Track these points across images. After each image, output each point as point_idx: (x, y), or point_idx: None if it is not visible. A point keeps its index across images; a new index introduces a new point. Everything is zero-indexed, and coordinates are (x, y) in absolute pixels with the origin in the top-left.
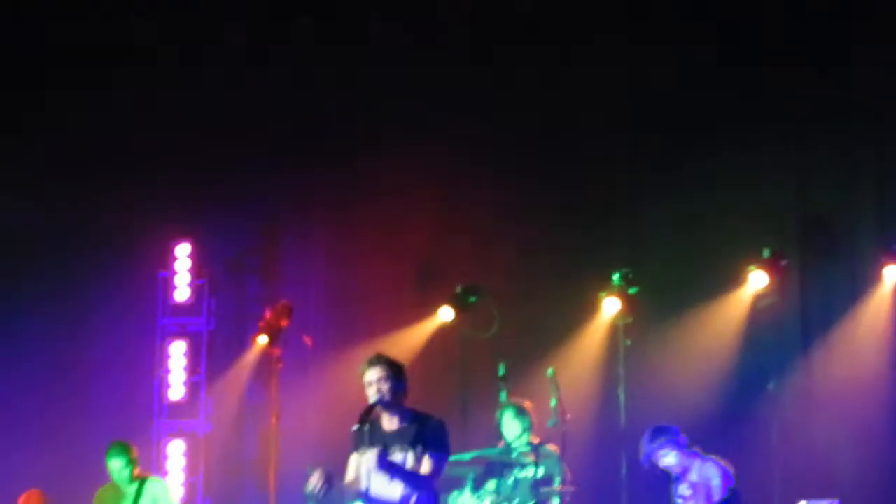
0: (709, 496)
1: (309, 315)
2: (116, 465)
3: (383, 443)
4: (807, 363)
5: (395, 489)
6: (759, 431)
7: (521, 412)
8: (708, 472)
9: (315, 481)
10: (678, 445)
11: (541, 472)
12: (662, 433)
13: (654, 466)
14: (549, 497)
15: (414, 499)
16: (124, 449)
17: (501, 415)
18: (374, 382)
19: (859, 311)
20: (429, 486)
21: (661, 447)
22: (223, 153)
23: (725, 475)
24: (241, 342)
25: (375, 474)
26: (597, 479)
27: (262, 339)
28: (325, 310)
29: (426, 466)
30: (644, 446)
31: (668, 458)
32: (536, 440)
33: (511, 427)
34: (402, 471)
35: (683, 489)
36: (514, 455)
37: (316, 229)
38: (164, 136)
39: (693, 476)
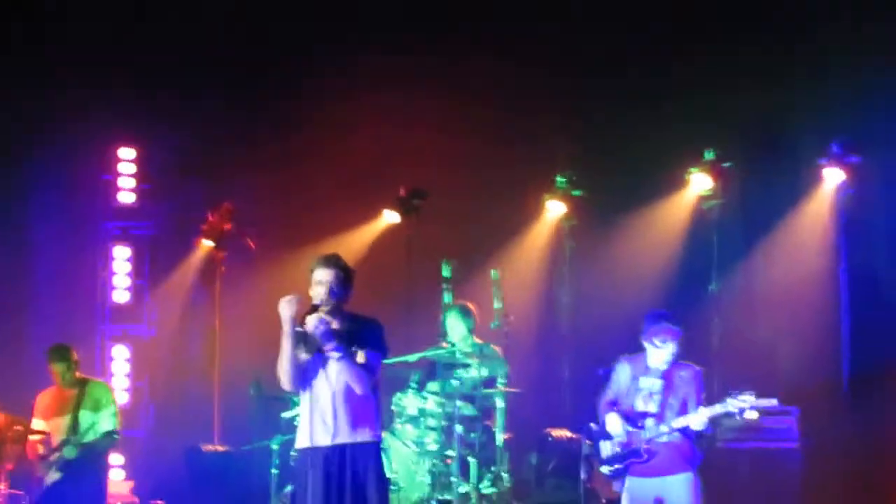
0: (685, 401)
1: (252, 218)
2: (58, 369)
3: (329, 342)
4: (748, 264)
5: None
6: (701, 333)
7: (465, 313)
8: (688, 375)
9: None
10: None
11: (484, 372)
12: (670, 318)
13: (609, 370)
14: (492, 397)
15: (358, 387)
16: (66, 351)
17: (446, 316)
18: (323, 282)
19: (800, 213)
20: (364, 380)
21: (667, 331)
22: (168, 59)
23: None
24: (185, 246)
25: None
26: (539, 380)
27: (206, 243)
28: (268, 213)
29: (378, 371)
30: (653, 325)
31: (669, 347)
32: (480, 341)
33: (456, 328)
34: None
35: (654, 384)
36: (457, 356)
37: (260, 132)
38: (112, 41)
39: (680, 372)
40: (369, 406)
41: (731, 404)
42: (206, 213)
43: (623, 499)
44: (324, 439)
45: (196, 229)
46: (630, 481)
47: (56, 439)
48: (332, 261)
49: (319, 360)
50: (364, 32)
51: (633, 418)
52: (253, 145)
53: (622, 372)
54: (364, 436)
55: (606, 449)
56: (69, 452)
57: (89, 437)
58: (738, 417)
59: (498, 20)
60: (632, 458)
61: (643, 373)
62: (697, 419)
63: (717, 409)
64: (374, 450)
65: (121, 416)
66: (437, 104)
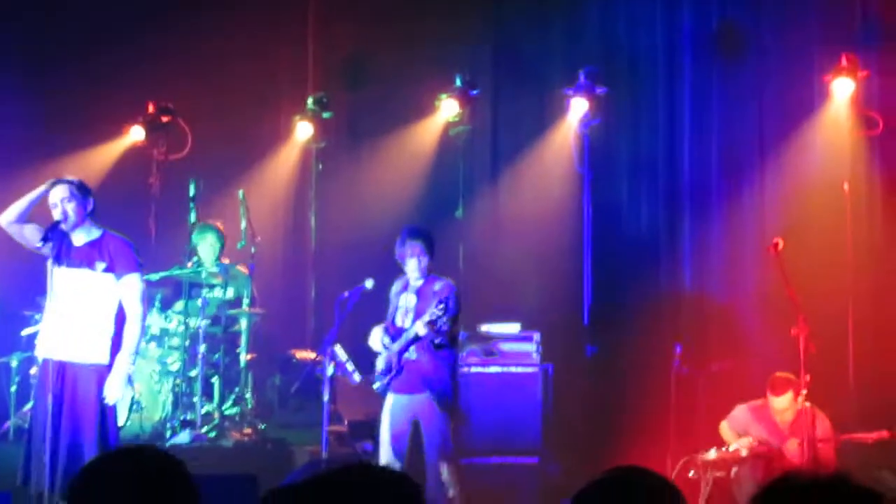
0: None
1: None
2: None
3: (71, 259)
4: (494, 191)
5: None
6: (447, 257)
7: (218, 233)
8: (439, 287)
9: None
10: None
11: (230, 292)
12: (421, 234)
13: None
14: (236, 318)
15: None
16: None
17: (199, 235)
18: (57, 203)
19: (546, 141)
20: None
21: (414, 247)
22: None
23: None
24: None
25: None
26: (285, 301)
27: None
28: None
29: (129, 290)
30: (409, 240)
31: (411, 263)
32: (226, 261)
33: (205, 248)
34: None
35: (410, 300)
36: (203, 276)
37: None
38: None
39: (433, 287)
40: (105, 326)
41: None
42: None
43: (383, 414)
44: (52, 353)
45: None
46: (389, 397)
47: None
48: (58, 181)
49: (61, 268)
50: None
51: (394, 335)
52: None
53: (392, 289)
54: (91, 357)
55: (378, 364)
56: None
57: None
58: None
59: None
60: (389, 374)
61: (404, 290)
62: (418, 326)
63: (434, 311)
64: (100, 373)
65: None
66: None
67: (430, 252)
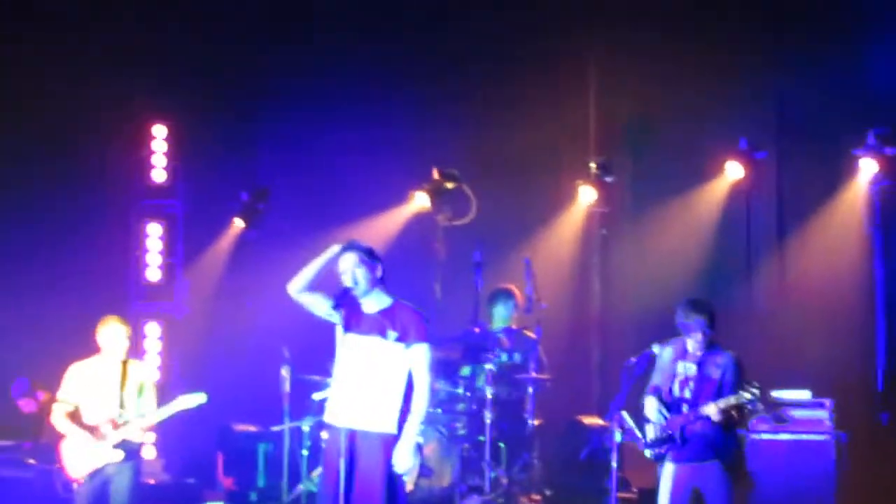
0: (719, 388)
1: (285, 199)
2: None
3: (362, 326)
4: (781, 253)
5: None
6: (734, 322)
7: (509, 298)
8: (723, 361)
9: None
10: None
11: (516, 358)
12: (704, 308)
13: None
14: (523, 383)
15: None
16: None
17: (493, 300)
18: (347, 269)
19: (834, 203)
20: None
21: (698, 322)
22: (202, 36)
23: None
24: (218, 224)
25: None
26: (570, 367)
27: (239, 223)
28: (301, 194)
29: (418, 360)
30: (691, 314)
31: (695, 336)
32: (514, 326)
33: (502, 312)
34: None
35: (690, 369)
36: (491, 341)
37: (293, 112)
38: (145, 19)
39: (716, 359)
40: (395, 395)
41: (742, 395)
42: (239, 192)
43: (662, 483)
44: (342, 421)
45: (229, 208)
46: (668, 466)
47: (102, 417)
48: (348, 247)
49: (352, 336)
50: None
51: (671, 403)
52: (289, 124)
53: (665, 354)
54: (381, 426)
55: (649, 432)
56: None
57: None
58: (755, 407)
59: None
60: (669, 444)
61: (682, 357)
62: (712, 409)
63: (731, 400)
64: (388, 442)
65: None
66: (462, 89)
67: (711, 325)
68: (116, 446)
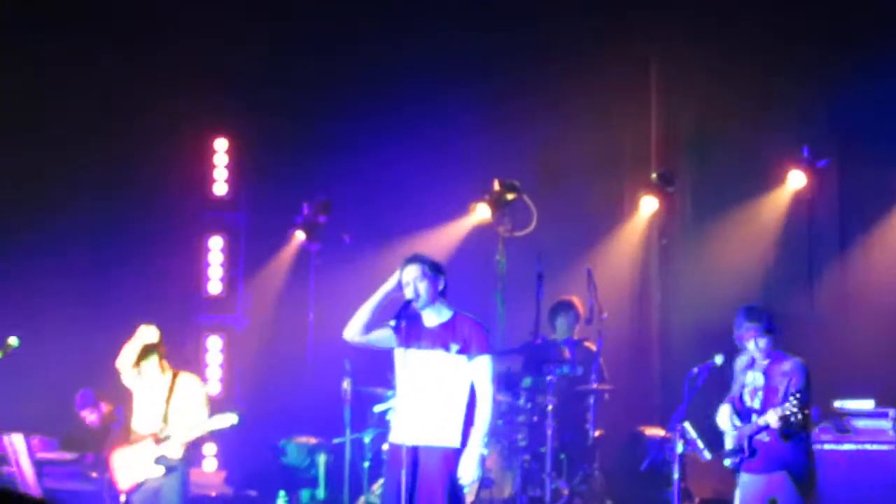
0: (786, 396)
1: (346, 210)
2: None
3: (423, 340)
4: (843, 262)
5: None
6: (796, 331)
7: (572, 309)
8: (788, 368)
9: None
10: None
11: (578, 369)
12: (754, 314)
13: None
14: (585, 394)
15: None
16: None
17: (554, 312)
18: (410, 282)
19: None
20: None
21: (749, 329)
22: (263, 50)
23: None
24: (280, 237)
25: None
26: (631, 377)
27: (300, 235)
28: (363, 206)
29: (481, 372)
30: (746, 323)
31: (749, 345)
32: (575, 337)
33: (560, 324)
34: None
35: (757, 378)
36: (552, 352)
37: (355, 123)
38: (205, 35)
39: (782, 367)
40: (458, 408)
41: (785, 407)
42: (301, 204)
43: (736, 493)
44: (406, 435)
45: (291, 220)
46: (742, 476)
47: (146, 431)
48: (412, 259)
49: (413, 349)
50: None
51: (742, 413)
52: (350, 136)
53: (738, 364)
54: (445, 440)
55: (727, 442)
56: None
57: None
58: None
59: None
60: (740, 454)
61: (750, 366)
62: (772, 418)
63: (789, 407)
64: (451, 455)
65: (210, 409)
66: (523, 101)
67: (768, 332)
68: (157, 461)
